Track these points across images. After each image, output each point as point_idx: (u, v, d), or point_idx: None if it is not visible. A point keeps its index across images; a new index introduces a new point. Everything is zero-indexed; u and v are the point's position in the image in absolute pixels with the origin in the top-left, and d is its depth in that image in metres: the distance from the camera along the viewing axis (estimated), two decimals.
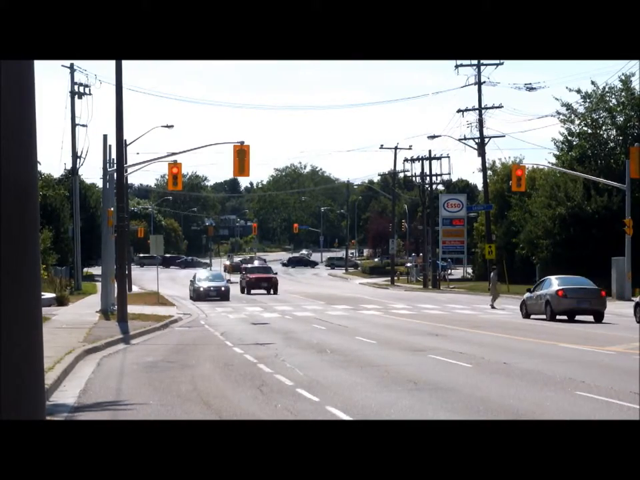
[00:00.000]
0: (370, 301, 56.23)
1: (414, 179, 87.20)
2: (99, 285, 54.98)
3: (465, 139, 73.17)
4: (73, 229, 64.39)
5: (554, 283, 38.26)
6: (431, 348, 24.59)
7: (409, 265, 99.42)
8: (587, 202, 61.71)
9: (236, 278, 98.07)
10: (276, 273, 69.06)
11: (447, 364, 20.83)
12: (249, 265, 76.31)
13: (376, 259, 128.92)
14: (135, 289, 66.32)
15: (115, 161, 40.47)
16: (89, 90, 61.77)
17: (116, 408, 14.85)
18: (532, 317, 38.73)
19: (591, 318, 36.92)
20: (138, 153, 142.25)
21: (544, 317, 37.61)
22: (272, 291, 64.54)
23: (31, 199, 6.28)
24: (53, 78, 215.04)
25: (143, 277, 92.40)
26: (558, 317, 37.19)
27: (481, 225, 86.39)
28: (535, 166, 75.50)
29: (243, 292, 65.60)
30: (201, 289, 57.16)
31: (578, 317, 37.29)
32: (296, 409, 14.37)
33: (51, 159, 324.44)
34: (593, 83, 67.54)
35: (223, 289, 57.48)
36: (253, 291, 64.57)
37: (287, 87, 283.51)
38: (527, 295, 39.71)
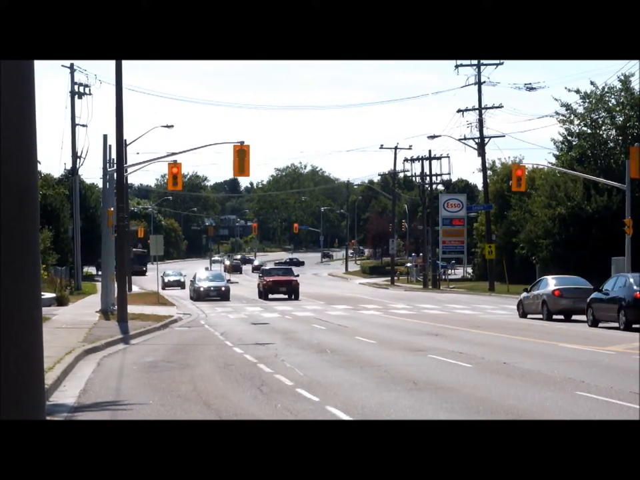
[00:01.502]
0: (370, 301, 56.22)
1: (414, 178, 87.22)
2: (98, 285, 55.00)
3: (465, 138, 73.14)
4: (73, 228, 64.38)
5: (550, 283, 38.28)
6: (431, 348, 24.58)
7: (409, 265, 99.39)
8: (586, 202, 61.69)
9: (236, 278, 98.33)
10: (297, 275, 60.82)
11: (446, 364, 20.82)
12: (267, 267, 68.82)
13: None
14: (135, 288, 66.38)
15: (115, 161, 40.45)
16: (89, 90, 61.85)
17: (116, 408, 14.85)
18: (528, 316, 38.78)
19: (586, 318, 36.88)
20: (138, 153, 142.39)
21: (540, 316, 37.64)
22: (292, 296, 57.53)
23: (30, 198, 6.28)
24: (53, 78, 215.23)
25: (143, 277, 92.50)
26: (554, 317, 37.22)
27: (481, 225, 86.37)
28: (535, 166, 75.46)
29: (260, 297, 59.23)
30: (201, 289, 57.26)
31: (574, 317, 37.26)
32: (296, 409, 14.37)
33: (51, 159, 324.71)
34: (592, 83, 67.29)
35: (223, 288, 57.55)
36: (271, 296, 57.99)
37: (287, 87, 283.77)
38: (524, 294, 39.75)
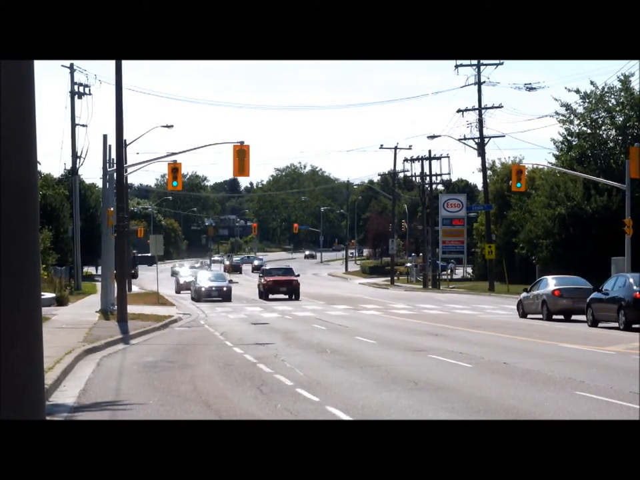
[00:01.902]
0: (370, 301, 56.22)
1: (414, 178, 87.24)
2: (98, 284, 54.99)
3: (465, 138, 73.12)
4: (72, 228, 64.39)
5: (550, 283, 38.30)
6: (431, 348, 24.58)
7: (408, 264, 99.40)
8: (586, 202, 61.71)
9: (236, 278, 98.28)
10: (298, 275, 60.78)
11: (447, 364, 20.82)
12: (267, 267, 66.90)
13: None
14: (135, 288, 66.30)
15: (115, 161, 40.45)
16: (89, 90, 61.88)
17: (115, 408, 14.85)
18: (528, 316, 38.79)
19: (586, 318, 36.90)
20: (138, 153, 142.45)
21: (540, 316, 37.65)
22: (293, 296, 57.60)
23: (31, 198, 6.28)
24: (53, 78, 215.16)
25: (143, 277, 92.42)
26: (554, 317, 37.21)
27: (480, 225, 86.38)
28: (535, 166, 75.46)
29: (260, 297, 59.26)
30: (203, 289, 57.13)
31: (574, 317, 37.26)
32: (296, 409, 14.37)
33: (51, 159, 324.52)
34: (592, 83, 67.34)
35: (224, 289, 57.35)
36: (271, 296, 58.02)
37: (287, 87, 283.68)
38: (524, 294, 39.77)
